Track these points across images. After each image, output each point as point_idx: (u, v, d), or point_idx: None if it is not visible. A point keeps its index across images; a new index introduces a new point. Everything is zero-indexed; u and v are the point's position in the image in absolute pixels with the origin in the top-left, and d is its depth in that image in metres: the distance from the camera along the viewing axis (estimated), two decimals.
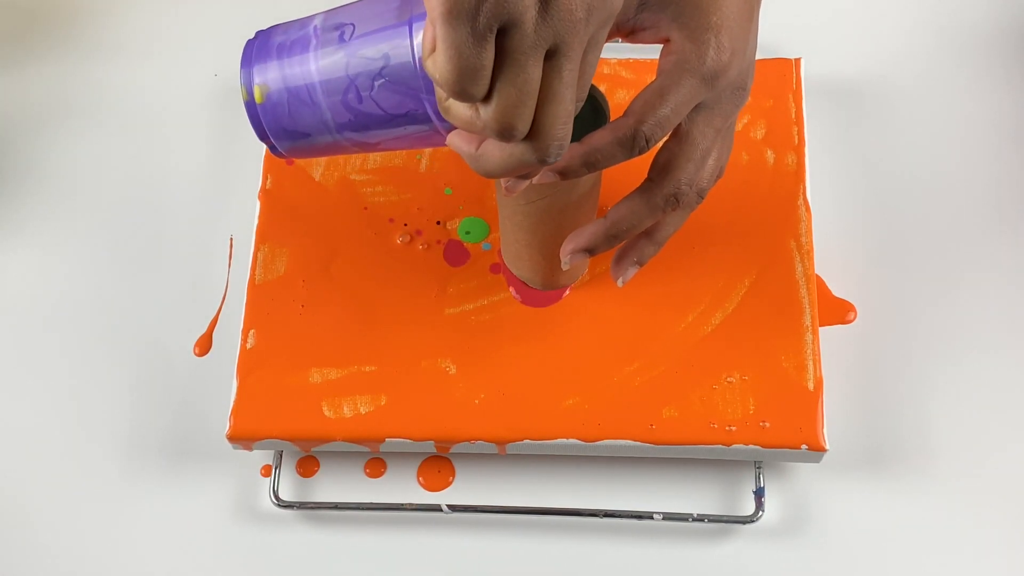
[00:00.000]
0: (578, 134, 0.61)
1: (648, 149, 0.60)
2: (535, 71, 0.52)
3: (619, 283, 0.67)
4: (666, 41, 0.61)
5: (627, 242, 0.66)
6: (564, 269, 0.66)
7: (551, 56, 0.52)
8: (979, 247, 0.79)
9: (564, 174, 0.60)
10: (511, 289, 0.75)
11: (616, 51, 0.82)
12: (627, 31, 0.62)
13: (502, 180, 0.60)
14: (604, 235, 0.63)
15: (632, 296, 0.74)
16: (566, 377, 0.72)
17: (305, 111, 0.59)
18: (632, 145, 0.59)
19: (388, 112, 0.58)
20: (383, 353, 0.73)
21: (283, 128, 0.60)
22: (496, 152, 0.55)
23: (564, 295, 0.75)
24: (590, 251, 0.63)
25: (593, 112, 0.64)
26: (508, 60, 0.51)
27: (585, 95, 0.56)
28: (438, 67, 0.51)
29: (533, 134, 0.54)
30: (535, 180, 0.61)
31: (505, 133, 0.53)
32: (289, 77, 0.59)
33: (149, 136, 0.84)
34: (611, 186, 0.73)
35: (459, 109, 0.54)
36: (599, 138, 0.60)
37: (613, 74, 0.80)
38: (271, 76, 0.59)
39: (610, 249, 0.64)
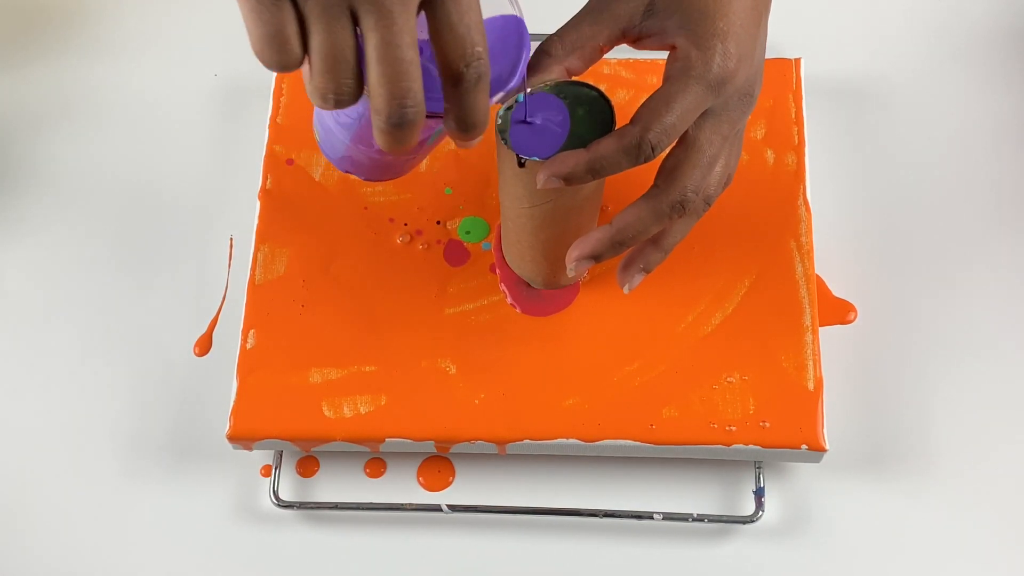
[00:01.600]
0: (585, 140, 0.61)
1: (654, 157, 0.59)
2: (340, 33, 0.50)
3: (625, 290, 0.67)
4: (673, 48, 0.61)
5: (633, 249, 0.65)
6: (569, 276, 0.66)
7: (361, 16, 0.51)
8: (979, 247, 0.79)
9: (569, 180, 0.60)
10: (509, 300, 0.75)
11: (616, 51, 0.82)
12: (633, 37, 0.62)
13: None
14: (610, 242, 0.62)
15: (632, 296, 0.74)
16: (566, 377, 0.72)
17: (333, 140, 0.64)
18: (638, 153, 0.59)
19: None
20: (383, 353, 0.73)
21: (330, 157, 0.65)
22: (374, 123, 0.54)
23: (564, 308, 0.75)
24: (596, 258, 0.63)
25: (599, 116, 0.63)
26: (309, 25, 0.50)
27: (471, 45, 0.53)
28: (250, 41, 0.51)
29: (372, 99, 0.52)
30: (539, 185, 0.61)
31: (324, 100, 0.52)
32: (320, 115, 0.64)
33: (149, 136, 0.84)
34: (616, 190, 0.73)
35: (304, 83, 0.53)
36: (605, 146, 0.59)
37: (613, 74, 0.80)
38: (318, 116, 0.65)
39: (616, 256, 0.64)
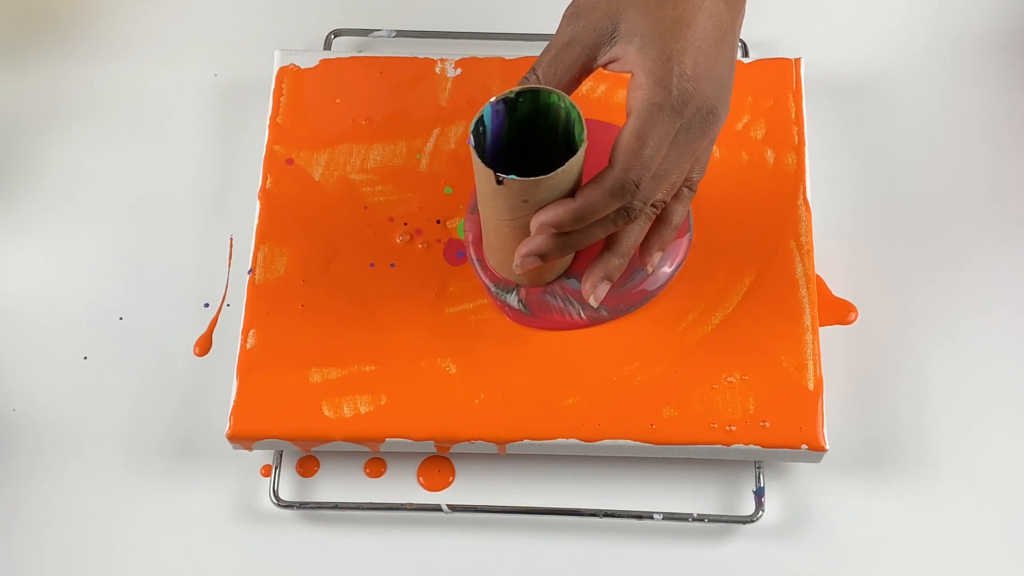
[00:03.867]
0: (552, 163, 0.62)
1: (640, 192, 0.62)
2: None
3: (592, 302, 0.70)
4: (632, 74, 0.62)
5: (593, 260, 0.68)
6: (524, 261, 0.66)
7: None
8: (979, 247, 0.79)
9: (559, 227, 0.63)
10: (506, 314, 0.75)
11: None
12: (604, 63, 0.63)
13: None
14: (574, 213, 0.63)
15: None
16: (566, 377, 0.72)
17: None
18: (622, 193, 0.62)
19: None
20: (383, 353, 0.73)
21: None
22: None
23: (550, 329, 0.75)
24: (556, 226, 0.63)
25: (564, 135, 0.64)
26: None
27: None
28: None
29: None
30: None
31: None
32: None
33: (149, 136, 0.84)
34: None
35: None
36: (589, 193, 0.62)
37: (614, 74, 0.80)
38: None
39: (566, 249, 0.65)
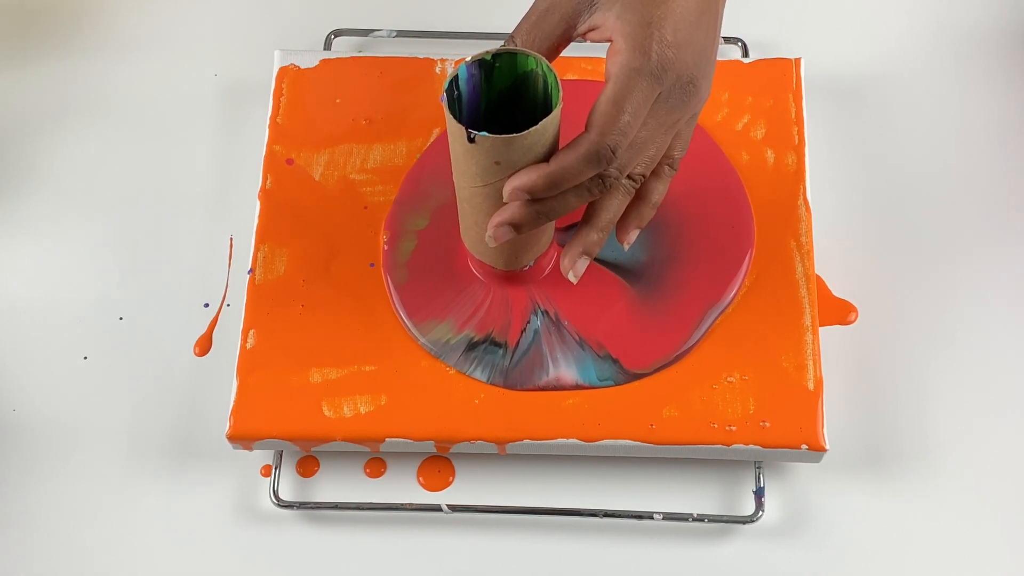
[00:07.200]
0: (519, 123, 0.61)
1: (616, 159, 0.60)
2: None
3: (571, 278, 0.68)
4: (611, 41, 0.61)
5: (572, 236, 0.67)
6: (499, 228, 0.65)
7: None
8: (980, 247, 0.79)
9: (532, 192, 0.61)
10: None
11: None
12: (584, 31, 0.62)
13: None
14: (546, 178, 0.62)
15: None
16: None
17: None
18: (598, 159, 0.60)
19: None
20: (383, 353, 0.73)
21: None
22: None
23: None
24: (529, 192, 0.62)
25: (540, 98, 0.63)
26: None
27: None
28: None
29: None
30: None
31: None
32: None
33: (149, 136, 0.84)
34: None
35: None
36: (564, 158, 0.60)
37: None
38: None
39: (540, 218, 0.64)
